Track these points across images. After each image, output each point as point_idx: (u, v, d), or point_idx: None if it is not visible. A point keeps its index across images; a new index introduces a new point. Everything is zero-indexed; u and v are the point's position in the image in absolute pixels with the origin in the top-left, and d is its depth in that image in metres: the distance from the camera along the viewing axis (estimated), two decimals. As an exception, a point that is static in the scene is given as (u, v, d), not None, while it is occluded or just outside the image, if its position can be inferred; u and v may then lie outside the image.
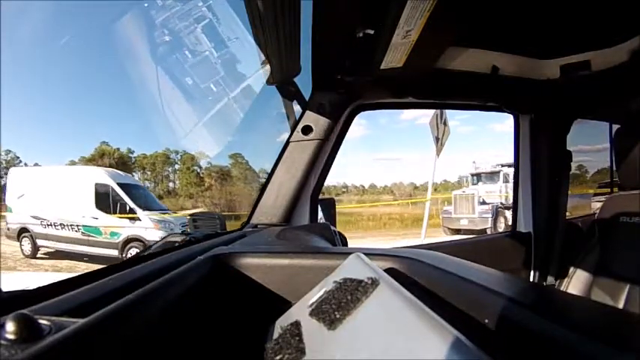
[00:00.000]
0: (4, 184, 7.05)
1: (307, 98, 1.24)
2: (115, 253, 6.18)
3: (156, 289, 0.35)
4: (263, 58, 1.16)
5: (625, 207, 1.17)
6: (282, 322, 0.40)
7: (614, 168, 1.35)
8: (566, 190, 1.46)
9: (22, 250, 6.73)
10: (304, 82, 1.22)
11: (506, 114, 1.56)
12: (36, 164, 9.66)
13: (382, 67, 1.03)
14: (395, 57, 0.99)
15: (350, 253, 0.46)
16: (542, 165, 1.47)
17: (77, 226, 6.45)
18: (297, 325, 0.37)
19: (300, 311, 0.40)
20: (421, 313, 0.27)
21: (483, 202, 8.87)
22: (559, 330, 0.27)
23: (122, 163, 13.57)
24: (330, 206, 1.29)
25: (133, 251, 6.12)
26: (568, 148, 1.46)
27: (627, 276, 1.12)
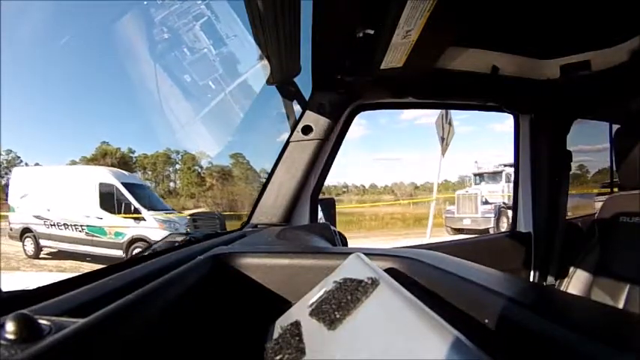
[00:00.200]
0: (5, 184, 7.04)
1: (307, 98, 1.24)
2: (119, 253, 6.15)
3: (156, 289, 0.35)
4: (263, 58, 1.16)
5: (625, 207, 1.17)
6: (282, 322, 0.40)
7: (614, 168, 1.35)
8: (566, 190, 1.46)
9: (24, 250, 6.71)
10: (304, 82, 1.22)
11: (506, 114, 1.56)
12: (37, 164, 9.67)
13: (382, 67, 1.03)
14: (395, 57, 0.99)
15: (350, 253, 0.46)
16: (542, 165, 1.47)
17: (81, 226, 6.42)
18: (297, 325, 0.37)
19: (300, 311, 0.40)
20: (421, 313, 0.27)
21: (486, 202, 8.86)
22: (559, 330, 0.27)
23: (124, 163, 13.58)
24: (330, 206, 1.29)
25: (138, 252, 6.09)
26: (568, 148, 1.46)
27: (627, 276, 1.12)
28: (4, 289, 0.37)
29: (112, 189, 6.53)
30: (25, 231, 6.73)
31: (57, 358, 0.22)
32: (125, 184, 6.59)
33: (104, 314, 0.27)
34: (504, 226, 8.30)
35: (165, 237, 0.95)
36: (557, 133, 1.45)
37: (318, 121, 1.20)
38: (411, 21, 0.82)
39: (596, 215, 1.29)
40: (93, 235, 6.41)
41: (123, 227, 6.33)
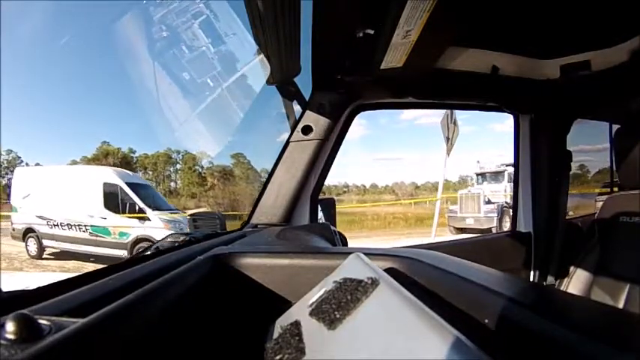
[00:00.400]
0: (6, 185, 7.04)
1: (307, 98, 1.24)
2: (123, 253, 6.12)
3: (156, 289, 0.35)
4: (263, 58, 1.16)
5: (625, 207, 1.17)
6: (282, 322, 0.40)
7: (614, 168, 1.35)
8: (566, 190, 1.46)
9: (27, 250, 6.70)
10: (304, 82, 1.22)
11: (506, 114, 1.56)
12: (37, 164, 9.67)
13: (382, 67, 1.03)
14: (395, 57, 0.99)
15: (350, 253, 0.46)
16: (542, 165, 1.47)
17: (85, 226, 6.41)
18: (297, 324, 0.37)
19: (300, 311, 0.40)
20: (421, 313, 0.27)
21: (489, 202, 8.87)
22: (559, 330, 0.27)
23: (126, 162, 13.60)
24: (330, 206, 1.29)
25: (139, 252, 6.05)
26: (568, 148, 1.46)
27: (627, 276, 1.12)
28: (4, 289, 0.37)
29: (116, 189, 6.53)
30: (28, 231, 6.73)
31: (57, 358, 0.22)
32: (129, 184, 6.59)
33: (104, 314, 0.27)
34: (507, 226, 8.28)
35: (166, 237, 0.95)
36: (557, 133, 1.45)
37: (318, 121, 1.20)
38: (411, 21, 0.82)
39: (596, 215, 1.29)
40: (97, 235, 6.40)
41: (127, 227, 6.32)
